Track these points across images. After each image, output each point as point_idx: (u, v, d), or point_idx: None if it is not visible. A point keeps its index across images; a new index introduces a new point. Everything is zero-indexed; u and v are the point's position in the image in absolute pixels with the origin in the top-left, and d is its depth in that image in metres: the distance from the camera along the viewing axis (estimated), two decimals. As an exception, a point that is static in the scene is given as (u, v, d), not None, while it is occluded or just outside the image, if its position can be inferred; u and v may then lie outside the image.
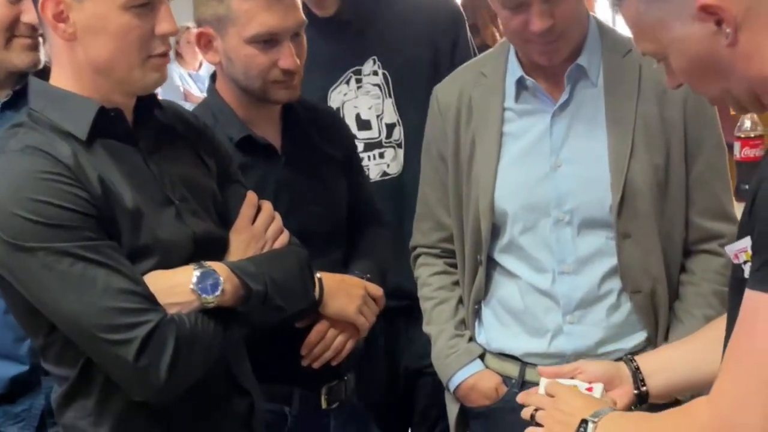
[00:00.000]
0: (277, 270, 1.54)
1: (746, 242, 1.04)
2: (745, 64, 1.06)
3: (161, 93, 4.13)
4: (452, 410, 1.87)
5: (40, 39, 1.77)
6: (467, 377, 1.80)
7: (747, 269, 1.04)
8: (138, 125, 1.49)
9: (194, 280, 1.40)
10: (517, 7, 1.60)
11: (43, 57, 1.81)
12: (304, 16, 1.77)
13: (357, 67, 2.21)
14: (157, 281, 1.39)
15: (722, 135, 1.74)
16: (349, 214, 1.95)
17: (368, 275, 1.85)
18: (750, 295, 0.99)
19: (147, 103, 1.51)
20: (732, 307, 1.14)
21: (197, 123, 1.64)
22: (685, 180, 1.68)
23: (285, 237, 1.64)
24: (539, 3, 1.57)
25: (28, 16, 1.73)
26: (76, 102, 1.41)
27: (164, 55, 1.46)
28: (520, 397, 1.44)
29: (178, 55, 6.40)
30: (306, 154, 1.87)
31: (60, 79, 1.44)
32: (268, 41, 1.74)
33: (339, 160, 1.93)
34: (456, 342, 1.84)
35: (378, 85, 2.22)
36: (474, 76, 1.81)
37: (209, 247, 1.50)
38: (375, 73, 2.22)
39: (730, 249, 1.09)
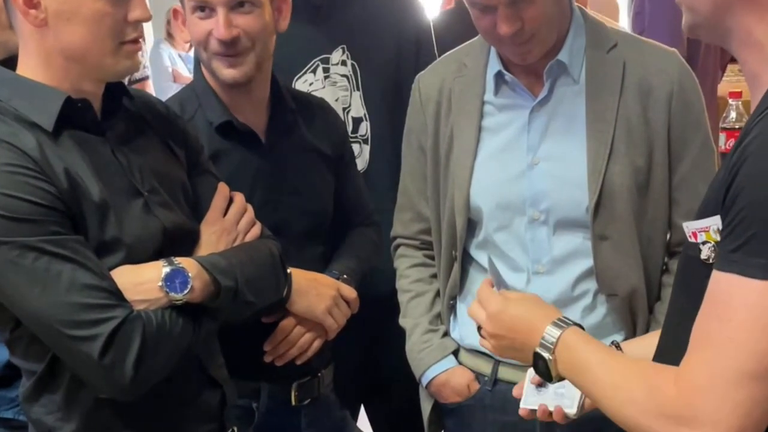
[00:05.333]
0: (248, 264, 1.53)
1: (711, 221, 1.01)
2: None
3: (151, 74, 4.01)
4: (426, 407, 1.87)
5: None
6: (439, 373, 1.79)
7: (705, 250, 1.03)
8: (106, 115, 1.47)
9: (163, 277, 1.39)
10: (483, 9, 1.57)
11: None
12: None
13: (325, 55, 2.13)
14: (124, 277, 1.37)
15: (710, 135, 1.69)
16: (336, 212, 1.92)
17: (345, 276, 1.83)
18: (721, 278, 0.96)
19: (116, 92, 1.49)
20: (680, 282, 1.14)
21: (167, 112, 1.62)
22: (668, 182, 1.65)
23: (257, 229, 1.63)
24: (504, 7, 1.54)
25: None
26: (42, 92, 1.39)
27: (136, 41, 1.44)
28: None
29: (169, 36, 6.34)
30: (290, 144, 1.83)
31: (27, 68, 1.42)
32: (203, 8, 1.69)
33: (327, 154, 1.90)
34: (430, 337, 1.83)
35: (346, 76, 2.15)
36: (457, 66, 1.78)
37: (180, 240, 1.49)
38: (343, 63, 2.14)
39: (690, 226, 1.06)
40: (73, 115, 1.39)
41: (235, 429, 1.63)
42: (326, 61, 2.13)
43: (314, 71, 2.14)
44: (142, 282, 1.38)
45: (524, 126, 1.68)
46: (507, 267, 1.70)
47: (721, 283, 0.96)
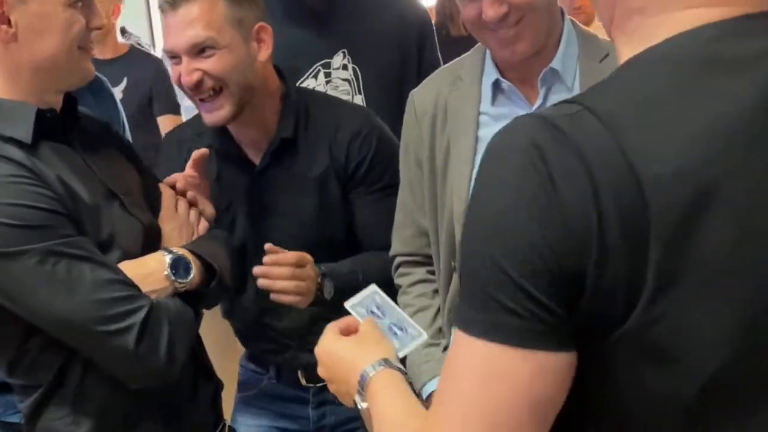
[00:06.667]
0: (218, 254, 1.58)
1: None
2: None
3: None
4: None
5: None
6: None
7: None
8: (67, 125, 1.51)
9: (168, 265, 1.45)
10: None
11: None
12: None
13: (326, 60, 2.13)
14: (131, 270, 1.41)
15: None
16: (353, 236, 1.94)
17: (323, 267, 1.83)
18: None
19: (71, 103, 1.53)
20: None
21: (100, 119, 1.68)
22: None
23: (205, 222, 1.68)
24: None
25: None
26: (10, 107, 1.41)
27: (92, 48, 1.50)
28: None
29: None
30: (282, 169, 1.87)
31: None
32: (173, 57, 1.78)
33: (323, 179, 1.89)
34: (431, 351, 1.81)
35: (348, 80, 2.15)
36: (451, 80, 1.77)
37: (154, 237, 1.55)
38: (345, 68, 2.14)
39: None
40: (44, 126, 1.42)
41: (227, 422, 1.68)
42: (327, 65, 2.13)
43: (315, 76, 2.14)
44: (149, 273, 1.43)
45: None
46: None
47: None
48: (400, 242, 1.90)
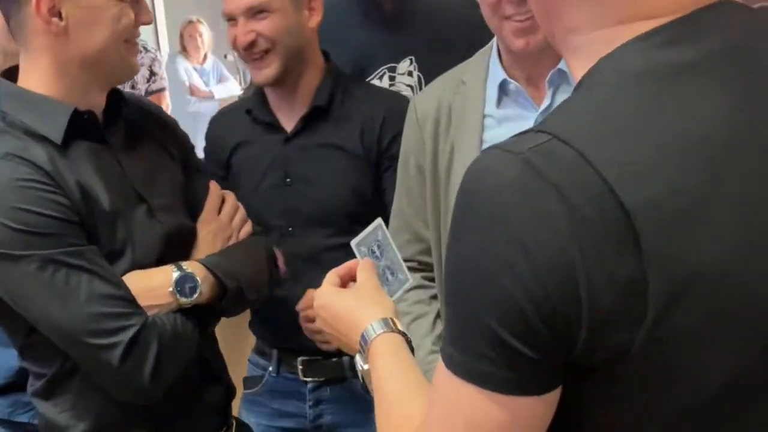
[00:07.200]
0: (247, 264, 1.58)
1: None
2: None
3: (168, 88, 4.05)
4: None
5: None
6: None
7: None
8: (108, 124, 1.51)
9: (173, 282, 1.43)
10: None
11: None
12: None
13: (392, 64, 2.19)
14: (136, 283, 1.41)
15: None
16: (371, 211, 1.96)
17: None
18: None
19: (115, 99, 1.53)
20: None
21: (158, 113, 1.68)
22: None
23: (249, 227, 1.68)
24: None
25: None
26: (49, 105, 1.42)
27: (135, 43, 1.51)
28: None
29: (184, 49, 6.32)
30: (312, 138, 1.98)
31: (32, 81, 1.43)
32: (230, 19, 1.96)
33: (354, 154, 1.97)
34: (434, 358, 1.76)
35: (411, 87, 2.19)
36: (454, 84, 1.73)
37: (181, 241, 1.54)
38: (410, 74, 2.20)
39: None
40: (79, 127, 1.43)
41: (234, 422, 1.67)
42: (393, 69, 2.20)
43: (380, 78, 2.21)
44: (153, 288, 1.43)
45: None
46: None
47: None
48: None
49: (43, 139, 1.39)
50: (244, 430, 1.78)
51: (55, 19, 1.38)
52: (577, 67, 0.86)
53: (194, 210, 1.62)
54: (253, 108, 2.04)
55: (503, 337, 0.76)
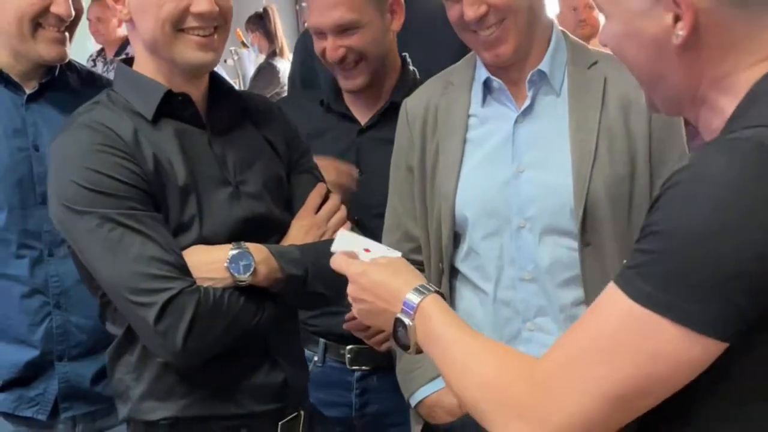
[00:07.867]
0: (323, 257, 1.49)
1: None
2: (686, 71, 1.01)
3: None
4: (416, 429, 1.82)
5: (67, 34, 1.83)
6: (431, 393, 1.75)
7: None
8: (211, 109, 1.59)
9: (229, 258, 1.47)
10: None
11: (69, 51, 1.86)
12: None
13: None
14: (196, 256, 1.48)
15: (687, 149, 1.70)
16: None
17: None
18: (610, 287, 0.95)
19: (220, 89, 1.62)
20: None
21: (277, 113, 1.73)
22: (650, 192, 1.64)
23: (347, 228, 1.67)
24: None
25: (58, 7, 1.78)
26: (147, 85, 1.54)
27: (202, 35, 1.50)
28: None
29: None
30: (384, 132, 1.99)
31: (138, 63, 1.56)
32: (318, 33, 1.99)
33: None
34: (422, 357, 1.78)
35: None
36: (443, 85, 1.80)
37: (263, 229, 1.57)
38: None
39: None
40: (173, 107, 1.53)
41: (302, 413, 1.64)
42: None
43: None
44: (210, 261, 1.48)
45: (509, 136, 1.68)
46: (492, 275, 1.68)
47: (607, 292, 0.95)
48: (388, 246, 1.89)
49: (136, 114, 1.51)
50: (317, 421, 1.75)
51: (119, 6, 1.51)
52: (726, 103, 0.99)
53: (294, 208, 1.65)
54: (327, 97, 2.08)
55: (728, 287, 0.87)
